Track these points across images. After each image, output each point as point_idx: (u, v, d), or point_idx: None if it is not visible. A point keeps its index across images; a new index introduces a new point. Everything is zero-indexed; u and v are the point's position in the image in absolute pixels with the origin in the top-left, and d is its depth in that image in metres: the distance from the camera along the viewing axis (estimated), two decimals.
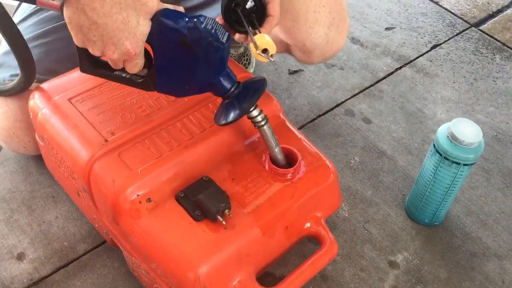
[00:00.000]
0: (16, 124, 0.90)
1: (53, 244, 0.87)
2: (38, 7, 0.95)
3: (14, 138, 0.92)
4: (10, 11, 0.93)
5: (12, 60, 0.91)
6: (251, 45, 0.72)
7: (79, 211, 0.91)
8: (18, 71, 0.89)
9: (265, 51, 0.71)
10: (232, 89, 0.69)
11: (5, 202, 0.93)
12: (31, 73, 0.80)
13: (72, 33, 0.62)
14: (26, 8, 0.97)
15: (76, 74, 0.84)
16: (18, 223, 0.90)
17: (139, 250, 0.71)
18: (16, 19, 0.97)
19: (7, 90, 0.85)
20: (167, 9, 0.64)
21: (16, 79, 0.83)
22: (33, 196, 0.94)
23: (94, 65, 0.70)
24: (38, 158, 0.96)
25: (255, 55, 0.71)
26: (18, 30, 0.74)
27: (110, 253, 0.86)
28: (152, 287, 0.75)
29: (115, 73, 0.70)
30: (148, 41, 0.64)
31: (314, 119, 1.15)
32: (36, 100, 0.81)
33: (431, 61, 1.32)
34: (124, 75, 0.70)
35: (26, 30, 0.93)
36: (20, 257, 0.85)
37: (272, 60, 0.71)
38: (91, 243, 0.88)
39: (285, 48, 0.97)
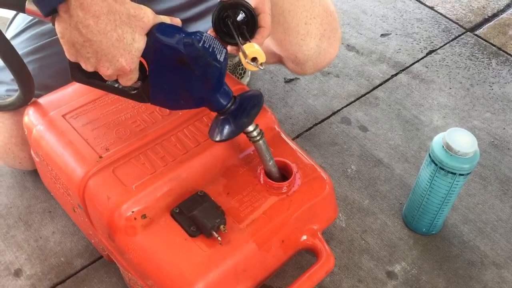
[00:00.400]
0: (12, 140, 0.90)
1: (50, 259, 0.87)
2: (30, 23, 0.95)
3: (10, 154, 0.92)
4: (2, 27, 0.93)
5: (7, 76, 0.91)
6: (240, 55, 0.71)
7: (75, 226, 0.91)
8: (13, 87, 0.90)
9: (254, 59, 0.71)
10: (228, 105, 0.69)
11: (1, 218, 0.93)
12: (29, 88, 0.79)
13: (64, 48, 0.61)
14: (19, 23, 0.97)
15: (70, 89, 0.84)
16: (15, 239, 0.90)
17: (135, 267, 0.71)
18: (8, 35, 0.97)
19: (6, 106, 0.84)
20: (163, 23, 0.63)
21: (15, 95, 0.83)
22: (30, 211, 0.94)
23: (86, 75, 0.68)
24: (35, 173, 0.96)
25: (244, 64, 0.71)
26: (12, 46, 0.73)
27: (108, 268, 0.86)
28: None
29: (107, 83, 0.69)
30: (143, 56, 0.63)
31: (311, 127, 1.15)
32: (30, 117, 0.81)
33: (427, 67, 1.32)
34: (117, 85, 0.69)
35: (19, 45, 0.93)
36: (17, 273, 0.85)
37: (262, 68, 0.71)
38: (88, 258, 0.88)
39: (277, 60, 0.97)
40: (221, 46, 0.66)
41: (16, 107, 0.84)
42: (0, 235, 0.90)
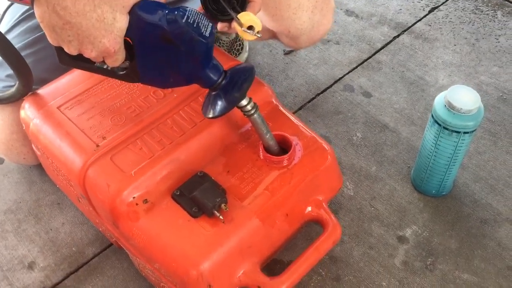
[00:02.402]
0: (13, 136, 0.90)
1: (62, 250, 0.88)
2: (21, 18, 0.94)
3: (13, 150, 0.92)
4: None
5: (1, 73, 0.91)
6: (236, 25, 0.70)
7: (84, 215, 0.92)
8: (9, 83, 0.90)
9: (250, 28, 0.69)
10: (219, 80, 0.68)
11: (12, 213, 0.94)
12: (28, 78, 0.79)
13: (45, 32, 0.60)
14: (10, 19, 0.96)
15: (63, 80, 0.84)
16: (26, 232, 0.91)
17: (141, 252, 0.71)
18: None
19: (7, 98, 0.84)
20: (146, 0, 0.61)
21: (14, 87, 0.82)
22: (39, 205, 0.95)
23: (73, 57, 0.66)
24: (40, 167, 0.96)
25: (240, 33, 0.69)
26: (5, 37, 0.73)
27: (119, 254, 0.87)
28: (160, 286, 0.76)
29: (96, 65, 0.68)
30: (127, 35, 0.62)
31: (313, 98, 1.13)
32: (26, 111, 0.81)
33: (429, 26, 1.28)
34: (105, 66, 0.68)
35: (12, 41, 0.91)
36: (31, 266, 0.87)
37: (259, 36, 0.69)
38: (99, 246, 0.89)
39: (272, 35, 0.95)
40: (206, 21, 0.65)
41: (17, 99, 0.84)
42: (12, 230, 0.92)
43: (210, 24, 0.65)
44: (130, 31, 0.61)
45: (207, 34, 0.63)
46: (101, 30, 0.58)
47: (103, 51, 0.61)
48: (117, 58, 0.64)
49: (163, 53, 0.63)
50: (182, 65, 0.65)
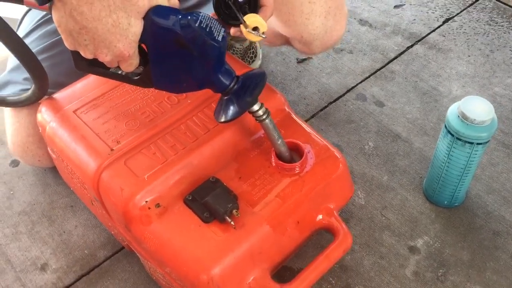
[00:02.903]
0: (29, 139, 0.92)
1: (74, 253, 0.89)
2: (39, 22, 0.96)
3: (29, 153, 0.94)
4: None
5: (19, 76, 0.93)
6: (242, 26, 0.70)
7: (97, 218, 0.93)
8: (26, 86, 0.91)
9: (255, 29, 0.70)
10: (231, 85, 0.69)
11: (26, 215, 0.95)
12: (43, 81, 0.80)
13: (62, 36, 0.61)
14: (29, 23, 0.98)
15: (79, 85, 0.85)
16: (40, 234, 0.92)
17: (152, 255, 0.72)
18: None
19: (23, 101, 0.86)
20: (160, 6, 0.62)
21: (30, 90, 0.84)
22: (53, 207, 0.96)
23: (88, 62, 0.68)
24: (55, 170, 0.98)
25: (246, 34, 0.70)
26: (22, 40, 0.74)
27: (130, 258, 0.88)
28: None
29: (110, 70, 0.69)
30: (142, 40, 0.63)
31: (325, 106, 1.13)
32: (43, 114, 0.82)
33: (443, 36, 1.28)
34: (120, 72, 0.69)
35: (30, 45, 0.93)
36: (44, 268, 0.88)
37: (264, 36, 0.69)
38: (111, 249, 0.90)
39: (285, 41, 0.95)
40: (219, 26, 0.66)
41: (33, 102, 0.85)
42: (26, 231, 0.93)
43: (223, 28, 0.66)
44: (144, 36, 0.62)
45: (219, 38, 0.64)
46: (116, 34, 0.60)
47: (118, 55, 0.62)
48: (132, 63, 0.65)
49: (177, 57, 0.65)
50: (195, 69, 0.66)
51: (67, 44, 0.62)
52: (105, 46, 0.61)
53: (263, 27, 0.69)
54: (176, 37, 0.62)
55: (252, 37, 0.69)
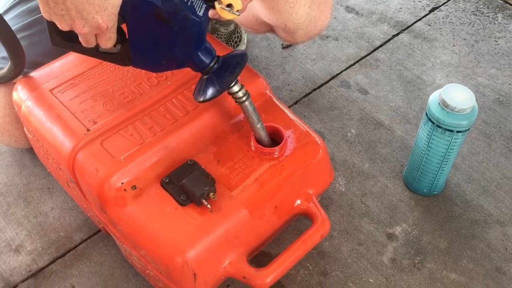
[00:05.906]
0: (6, 119, 0.90)
1: (50, 235, 0.88)
2: (17, 0, 0.94)
3: (5, 133, 0.92)
4: None
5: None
6: (216, 3, 0.69)
7: (74, 201, 0.92)
8: (1, 65, 0.89)
9: (229, 6, 0.68)
10: (212, 64, 0.67)
11: (1, 196, 0.93)
12: (20, 58, 0.78)
13: (40, 5, 0.59)
14: (6, 1, 0.95)
15: (57, 64, 0.83)
16: (15, 216, 0.91)
17: (127, 238, 0.71)
18: None
19: None
20: None
21: (5, 68, 0.82)
22: (29, 189, 0.95)
23: (65, 38, 0.66)
24: (32, 151, 0.96)
25: (219, 11, 0.68)
26: (1, 17, 0.72)
27: (106, 241, 0.87)
28: (145, 273, 0.75)
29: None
30: (121, 13, 0.61)
31: (309, 93, 1.12)
32: (19, 93, 0.80)
33: (429, 25, 1.27)
34: (97, 48, 0.67)
35: (9, 23, 0.92)
36: (18, 249, 0.86)
37: (237, 15, 0.68)
38: (87, 232, 0.88)
39: (269, 29, 0.94)
40: (200, 1, 0.64)
41: (8, 80, 0.83)
42: (0, 212, 0.91)
43: (205, 5, 0.65)
44: (124, 8, 0.60)
45: (200, 13, 0.63)
46: (94, 5, 0.57)
47: (95, 27, 0.60)
48: (110, 37, 0.63)
49: (156, 32, 0.63)
50: (175, 45, 0.64)
51: (43, 12, 0.59)
52: (83, 17, 0.58)
53: (237, 4, 0.67)
54: (156, 10, 0.60)
55: (226, 14, 0.67)
